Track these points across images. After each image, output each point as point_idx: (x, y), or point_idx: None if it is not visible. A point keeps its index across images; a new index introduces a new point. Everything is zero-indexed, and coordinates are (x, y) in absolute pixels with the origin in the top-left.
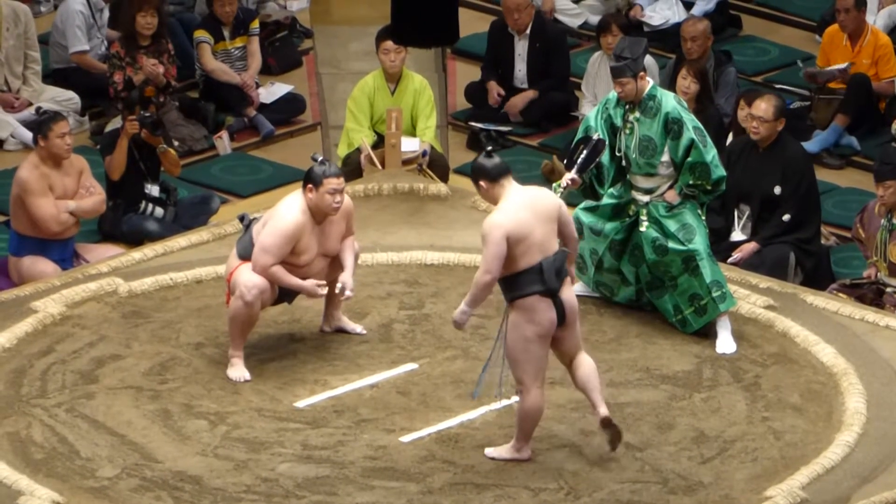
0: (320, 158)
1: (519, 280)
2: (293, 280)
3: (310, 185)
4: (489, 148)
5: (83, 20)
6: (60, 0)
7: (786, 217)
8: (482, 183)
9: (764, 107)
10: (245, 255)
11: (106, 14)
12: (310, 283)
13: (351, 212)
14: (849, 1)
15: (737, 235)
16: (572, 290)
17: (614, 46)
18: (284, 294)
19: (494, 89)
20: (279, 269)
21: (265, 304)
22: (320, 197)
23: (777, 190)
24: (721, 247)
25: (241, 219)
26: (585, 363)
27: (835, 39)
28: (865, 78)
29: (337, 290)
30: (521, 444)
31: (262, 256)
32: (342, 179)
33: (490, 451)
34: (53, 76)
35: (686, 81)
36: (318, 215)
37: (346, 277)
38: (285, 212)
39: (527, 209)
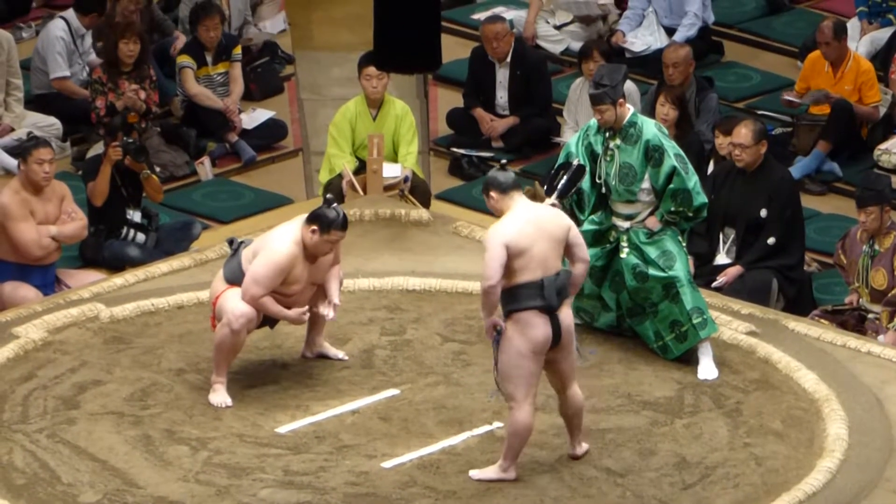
0: (335, 204)
1: (518, 293)
2: (280, 310)
3: (315, 227)
4: (503, 161)
5: (64, 46)
6: (42, 26)
7: (771, 240)
8: (493, 194)
9: (744, 132)
10: (232, 279)
11: (88, 40)
12: (294, 313)
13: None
14: (827, 35)
15: (721, 259)
16: (570, 312)
17: (594, 73)
18: (267, 318)
19: (486, 117)
20: (267, 300)
21: (250, 331)
22: (321, 242)
23: (763, 213)
24: (705, 270)
25: (231, 242)
26: (576, 399)
27: (816, 65)
28: (847, 104)
29: (322, 310)
30: (507, 463)
31: (252, 287)
32: (345, 233)
33: (475, 474)
34: (35, 102)
35: (664, 108)
36: (310, 256)
37: (332, 299)
38: (279, 244)
39: (530, 224)
